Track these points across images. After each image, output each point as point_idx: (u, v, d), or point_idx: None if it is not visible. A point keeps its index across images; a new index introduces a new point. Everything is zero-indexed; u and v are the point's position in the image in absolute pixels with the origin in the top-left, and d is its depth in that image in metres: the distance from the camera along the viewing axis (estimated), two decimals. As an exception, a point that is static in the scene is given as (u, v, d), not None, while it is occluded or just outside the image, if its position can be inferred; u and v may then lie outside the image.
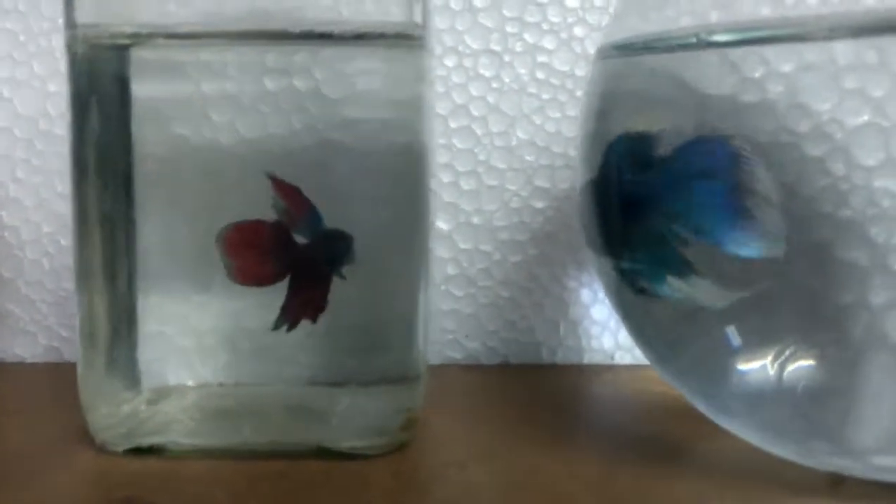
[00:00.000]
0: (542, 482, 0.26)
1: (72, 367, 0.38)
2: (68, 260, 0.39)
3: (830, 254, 0.23)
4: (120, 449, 0.27)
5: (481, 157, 0.38)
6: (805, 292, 0.24)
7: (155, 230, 0.28)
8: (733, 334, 0.25)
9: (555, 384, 0.36)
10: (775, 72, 0.23)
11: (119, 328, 0.28)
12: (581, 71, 0.38)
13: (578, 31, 0.38)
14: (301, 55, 0.26)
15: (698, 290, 0.25)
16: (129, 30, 0.26)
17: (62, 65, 0.38)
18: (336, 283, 0.27)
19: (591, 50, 0.38)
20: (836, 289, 0.23)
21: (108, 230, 0.28)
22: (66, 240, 0.39)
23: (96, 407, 0.28)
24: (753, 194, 0.23)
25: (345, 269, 0.26)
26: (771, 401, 0.25)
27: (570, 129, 0.38)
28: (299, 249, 0.26)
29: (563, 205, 0.38)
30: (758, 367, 0.26)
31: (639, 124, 0.26)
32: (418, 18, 0.26)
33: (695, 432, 0.29)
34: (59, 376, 0.37)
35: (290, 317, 0.27)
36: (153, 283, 0.28)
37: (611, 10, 0.38)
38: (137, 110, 0.27)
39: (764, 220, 0.23)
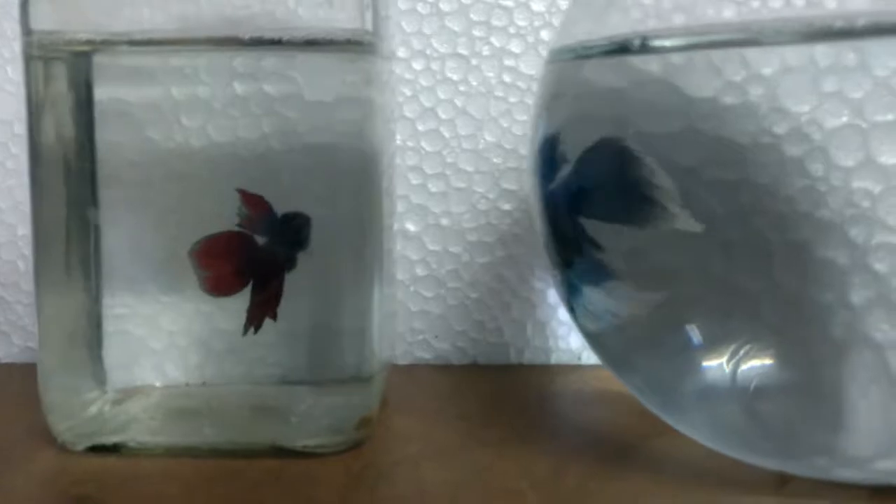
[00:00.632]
0: (491, 480, 0.26)
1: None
2: (42, 262, 0.39)
3: (810, 253, 0.23)
4: (80, 448, 0.28)
5: (449, 160, 0.39)
6: (784, 291, 0.24)
7: (125, 233, 0.28)
8: (693, 333, 0.26)
9: (521, 384, 0.36)
10: (755, 75, 0.23)
11: (79, 330, 0.28)
12: (548, 74, 0.38)
13: (545, 34, 0.38)
14: (267, 61, 0.27)
15: (615, 297, 0.25)
16: (84, 36, 0.26)
17: (36, 69, 0.38)
18: (293, 284, 0.27)
19: (558, 53, 0.38)
20: (816, 288, 0.23)
21: (68, 233, 0.28)
22: (41, 242, 0.39)
23: (58, 407, 0.28)
24: (650, 187, 0.24)
25: (305, 253, 0.27)
26: (723, 400, 0.26)
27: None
28: (259, 250, 0.27)
29: (529, 206, 0.38)
30: (713, 366, 0.26)
31: (563, 128, 0.26)
32: (369, 26, 0.27)
33: (650, 431, 0.30)
34: (34, 377, 0.37)
35: (254, 319, 0.27)
36: (122, 285, 0.28)
37: (576, 13, 0.38)
38: (102, 115, 0.28)
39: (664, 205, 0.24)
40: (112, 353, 0.29)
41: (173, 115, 0.27)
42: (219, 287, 0.27)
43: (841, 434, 0.24)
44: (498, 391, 0.35)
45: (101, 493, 0.25)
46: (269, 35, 0.26)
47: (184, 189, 0.28)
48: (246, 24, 0.26)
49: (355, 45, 0.27)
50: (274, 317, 0.27)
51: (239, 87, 0.27)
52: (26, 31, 0.27)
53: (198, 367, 0.29)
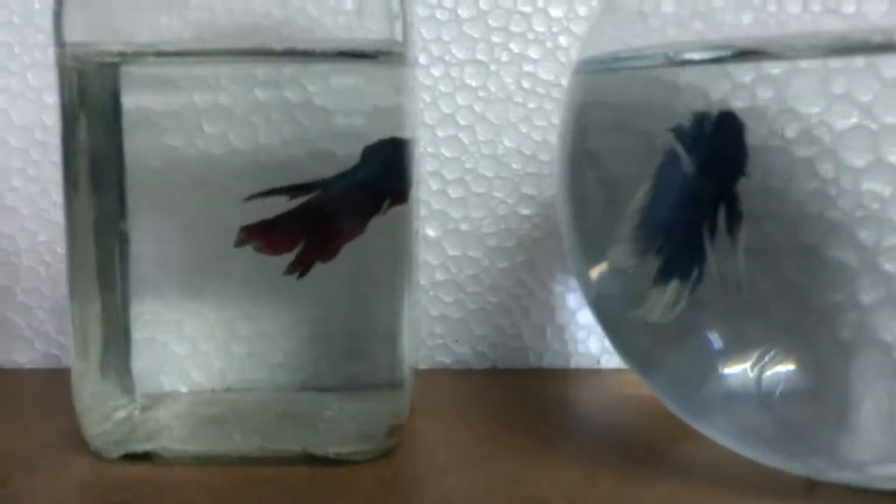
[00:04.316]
0: (521, 488, 0.27)
1: (69, 373, 0.39)
2: (64, 267, 0.39)
3: (820, 254, 0.24)
4: (114, 455, 0.28)
5: (468, 166, 0.39)
6: (795, 292, 0.24)
7: (149, 239, 0.28)
8: (715, 338, 0.26)
9: (542, 389, 0.37)
10: (764, 76, 0.24)
11: (111, 336, 0.29)
12: (566, 80, 0.38)
13: (563, 40, 0.39)
14: (289, 69, 0.27)
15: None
16: (116, 48, 0.27)
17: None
18: (323, 289, 0.27)
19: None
20: (826, 289, 0.24)
21: (99, 240, 0.28)
22: (63, 248, 0.39)
23: (90, 413, 0.28)
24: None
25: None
26: (749, 405, 0.26)
27: (556, 137, 0.38)
28: (315, 203, 0.27)
29: (549, 212, 0.39)
30: (738, 371, 0.27)
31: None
32: (398, 36, 0.27)
33: (676, 436, 0.30)
34: (57, 382, 0.37)
35: (302, 262, 0.27)
36: (147, 291, 0.29)
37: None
38: (129, 123, 0.28)
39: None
40: (139, 359, 0.29)
41: (196, 123, 0.27)
42: (273, 248, 0.27)
43: (844, 435, 0.25)
44: (519, 396, 0.36)
45: (141, 501, 0.25)
46: (301, 46, 0.26)
47: (209, 195, 0.28)
48: (272, 34, 0.27)
49: (386, 56, 0.27)
50: (326, 259, 0.27)
51: (261, 95, 0.27)
52: (59, 42, 0.27)
53: (222, 373, 0.29)
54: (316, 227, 0.27)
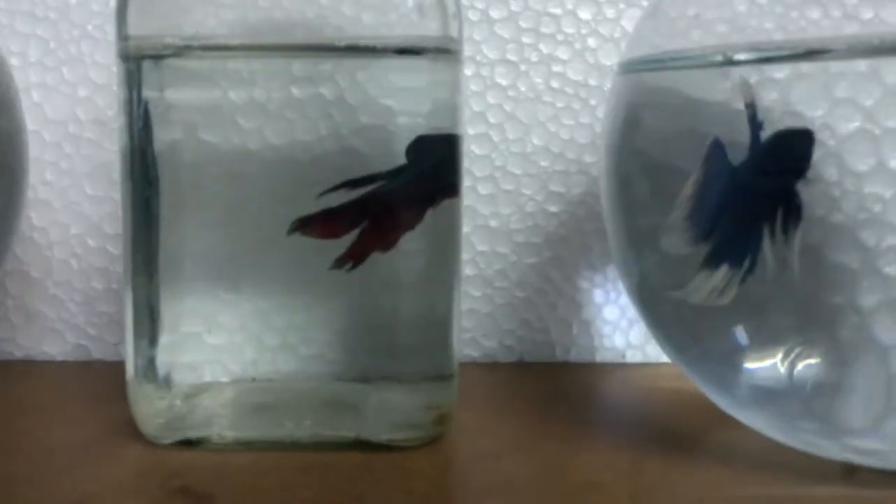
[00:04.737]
0: (575, 474, 0.27)
1: (100, 364, 0.39)
2: (96, 260, 0.40)
3: (823, 257, 0.24)
4: (167, 442, 0.29)
5: (498, 163, 0.40)
6: (800, 294, 0.25)
7: (185, 231, 0.29)
8: (741, 332, 0.27)
9: (569, 382, 0.38)
10: (769, 79, 0.25)
11: (151, 326, 0.29)
12: (594, 80, 0.39)
13: (591, 42, 0.39)
14: (350, 65, 0.27)
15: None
16: (172, 41, 0.27)
17: (92, 71, 0.39)
18: (375, 279, 0.28)
19: (604, 60, 0.39)
20: (828, 291, 0.25)
21: (150, 231, 0.29)
22: (94, 241, 0.40)
23: (143, 401, 0.29)
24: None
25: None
26: (782, 396, 0.27)
27: (584, 135, 0.39)
28: (377, 195, 0.28)
29: (576, 209, 0.40)
30: (769, 364, 0.28)
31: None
32: (455, 33, 0.28)
33: (709, 425, 0.31)
34: (89, 373, 0.38)
35: (355, 254, 0.28)
36: (184, 282, 0.29)
37: (623, 22, 0.39)
38: (173, 117, 0.28)
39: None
40: (177, 349, 0.29)
41: (262, 118, 0.28)
42: (329, 231, 0.28)
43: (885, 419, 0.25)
44: (549, 388, 0.36)
45: (202, 486, 0.26)
46: (363, 43, 0.27)
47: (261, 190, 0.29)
48: (329, 30, 0.27)
49: (444, 53, 0.28)
50: (386, 249, 0.28)
51: (327, 91, 0.28)
52: (123, 36, 0.28)
53: (261, 364, 0.29)
54: (376, 218, 0.28)
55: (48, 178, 0.39)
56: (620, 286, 0.40)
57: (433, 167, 0.28)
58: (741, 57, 0.26)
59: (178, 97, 0.28)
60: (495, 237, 0.40)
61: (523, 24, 0.39)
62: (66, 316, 0.40)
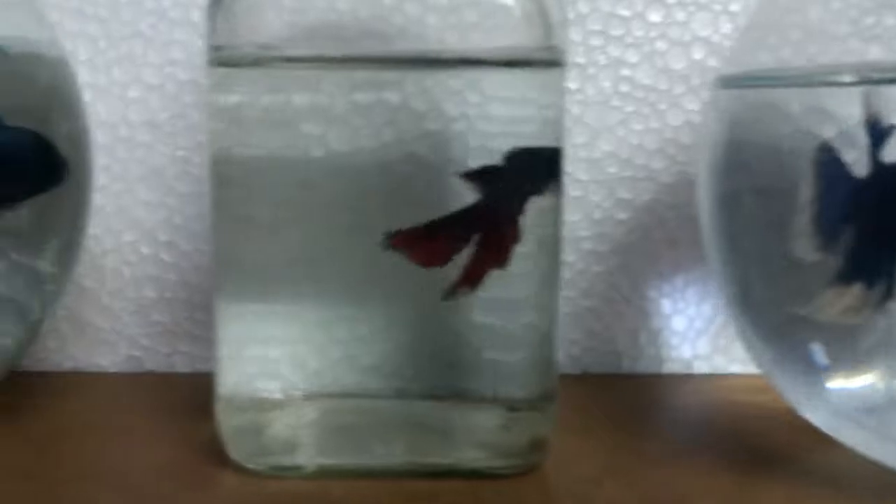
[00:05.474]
0: (678, 497, 0.26)
1: (152, 376, 0.38)
2: (149, 269, 0.38)
3: None
4: (255, 466, 0.27)
5: (566, 169, 0.38)
6: None
7: (248, 240, 0.27)
8: (847, 348, 0.26)
9: (643, 395, 0.37)
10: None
11: (245, 339, 0.28)
12: (663, 84, 0.38)
13: (661, 45, 0.38)
14: (453, 76, 0.26)
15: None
16: (253, 51, 0.26)
17: (143, 72, 0.38)
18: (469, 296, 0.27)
19: (673, 64, 0.38)
20: None
21: (240, 240, 0.28)
22: (148, 248, 0.38)
23: (230, 421, 0.28)
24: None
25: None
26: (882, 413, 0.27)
27: (653, 141, 0.39)
28: (481, 207, 0.26)
29: (644, 216, 0.39)
30: (868, 381, 0.27)
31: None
32: (560, 42, 0.27)
33: (802, 442, 0.30)
34: (144, 386, 0.37)
35: (471, 277, 0.26)
36: (248, 293, 0.28)
37: (693, 25, 0.38)
38: (244, 123, 0.27)
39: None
40: (244, 364, 0.28)
41: (358, 122, 0.27)
42: (432, 260, 0.27)
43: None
44: (623, 402, 0.35)
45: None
46: (472, 55, 0.26)
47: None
48: (433, 42, 0.26)
49: (550, 63, 0.27)
50: (503, 265, 0.26)
51: (419, 103, 0.26)
52: (213, 46, 0.26)
53: (349, 380, 0.28)
54: (487, 232, 0.26)
55: (100, 182, 0.38)
56: (688, 296, 0.39)
57: (531, 174, 0.27)
58: (873, 76, 0.25)
59: (264, 104, 0.27)
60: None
61: (592, 27, 0.38)
62: (118, 327, 0.39)
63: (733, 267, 0.28)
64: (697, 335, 0.39)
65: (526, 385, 0.28)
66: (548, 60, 0.27)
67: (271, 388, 0.28)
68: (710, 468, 0.29)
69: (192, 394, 0.35)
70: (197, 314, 0.38)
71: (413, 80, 0.26)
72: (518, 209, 0.27)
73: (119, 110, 0.38)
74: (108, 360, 0.39)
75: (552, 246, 0.28)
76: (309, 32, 0.27)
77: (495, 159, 0.26)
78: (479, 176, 0.26)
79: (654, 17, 0.38)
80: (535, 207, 0.27)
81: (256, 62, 0.27)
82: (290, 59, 0.27)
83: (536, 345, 0.28)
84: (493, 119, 0.26)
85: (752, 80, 0.28)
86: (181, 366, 0.39)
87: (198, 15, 0.38)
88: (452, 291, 0.27)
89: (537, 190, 0.27)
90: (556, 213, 0.27)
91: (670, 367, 0.39)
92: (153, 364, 0.39)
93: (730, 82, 0.28)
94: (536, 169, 0.27)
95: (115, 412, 0.34)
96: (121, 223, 0.38)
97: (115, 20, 0.38)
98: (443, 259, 0.27)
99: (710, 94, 0.30)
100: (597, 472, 0.28)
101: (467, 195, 0.27)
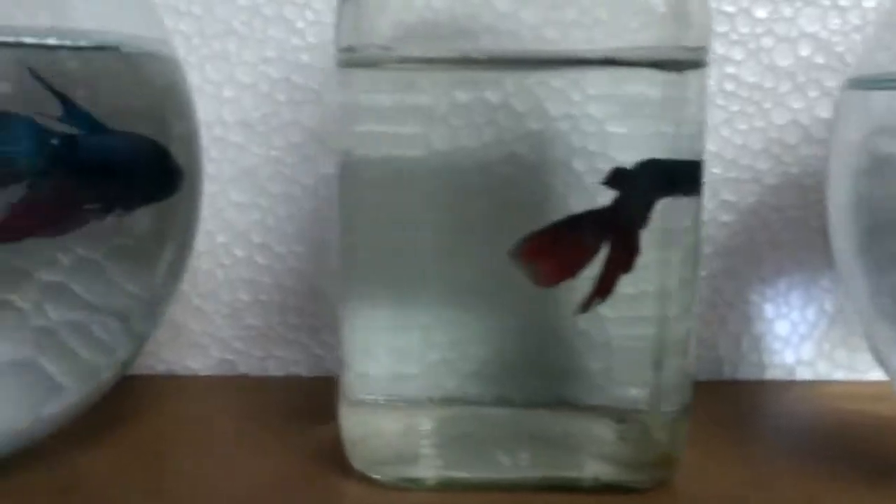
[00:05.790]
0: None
1: (246, 379, 0.37)
2: (242, 271, 0.38)
3: None
4: (381, 477, 0.27)
5: (668, 170, 0.37)
6: None
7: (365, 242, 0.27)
8: None
9: (752, 402, 0.36)
10: None
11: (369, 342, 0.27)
12: (769, 83, 0.37)
13: (767, 42, 0.37)
14: (596, 76, 0.25)
15: None
16: (377, 53, 0.25)
17: (237, 70, 0.37)
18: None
19: (780, 62, 0.37)
20: None
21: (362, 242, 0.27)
22: (241, 250, 0.38)
23: (356, 431, 0.27)
24: None
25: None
26: None
27: (758, 141, 0.37)
28: (607, 214, 0.26)
29: (748, 218, 0.38)
30: None
31: None
32: (708, 43, 0.26)
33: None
34: (240, 389, 0.36)
35: (606, 283, 0.26)
36: (364, 297, 0.27)
37: (800, 21, 0.37)
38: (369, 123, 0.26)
39: None
40: (364, 367, 0.27)
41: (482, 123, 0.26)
42: (552, 278, 0.26)
43: None
44: (736, 409, 0.34)
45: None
46: (622, 56, 0.25)
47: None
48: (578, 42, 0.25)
49: (700, 64, 0.26)
50: (628, 270, 0.25)
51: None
52: (341, 48, 0.26)
53: (469, 386, 0.27)
54: (618, 236, 0.25)
55: (193, 183, 0.37)
56: (792, 300, 0.38)
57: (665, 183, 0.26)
58: None
59: (387, 104, 0.26)
60: (662, 248, 0.38)
61: (696, 23, 0.37)
62: (210, 329, 0.38)
63: (878, 275, 0.27)
64: (801, 340, 0.38)
65: (657, 394, 0.27)
66: (687, 61, 0.26)
67: (400, 395, 0.27)
68: (849, 482, 0.28)
69: (288, 398, 0.35)
70: (290, 318, 0.38)
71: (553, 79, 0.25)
72: (646, 213, 0.26)
73: (214, 109, 0.37)
74: (200, 363, 0.38)
75: (687, 243, 0.27)
76: (424, 31, 0.26)
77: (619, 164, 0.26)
78: (619, 179, 0.25)
79: (761, 12, 0.37)
80: (669, 210, 0.26)
81: (379, 62, 0.26)
82: (424, 60, 0.26)
83: (667, 351, 0.26)
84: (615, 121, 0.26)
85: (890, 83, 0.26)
86: (274, 369, 0.38)
87: (291, 11, 0.37)
88: (587, 304, 0.26)
89: (666, 194, 0.26)
90: (695, 217, 0.26)
91: (772, 374, 0.38)
92: (246, 367, 0.38)
93: (865, 83, 0.27)
94: (669, 175, 0.26)
95: (218, 417, 0.33)
96: (213, 225, 0.37)
97: (208, 17, 0.37)
98: (572, 272, 0.26)
99: (842, 94, 0.29)
100: (734, 489, 0.27)
101: (570, 196, 0.26)
